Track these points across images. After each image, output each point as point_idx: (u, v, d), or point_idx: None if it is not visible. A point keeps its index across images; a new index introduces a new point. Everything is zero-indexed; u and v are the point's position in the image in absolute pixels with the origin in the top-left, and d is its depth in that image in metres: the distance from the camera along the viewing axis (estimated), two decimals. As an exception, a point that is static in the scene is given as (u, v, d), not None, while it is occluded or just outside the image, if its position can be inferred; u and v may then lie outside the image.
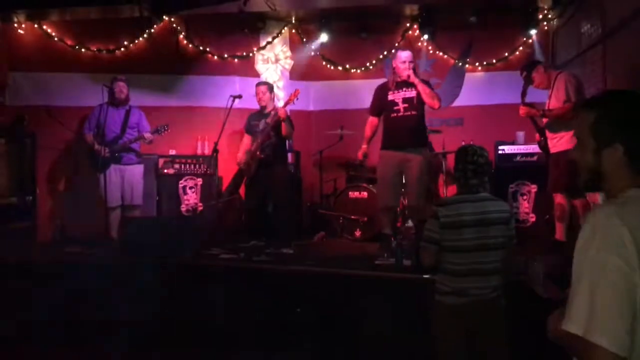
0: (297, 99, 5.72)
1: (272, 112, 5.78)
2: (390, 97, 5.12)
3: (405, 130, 5.04)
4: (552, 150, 4.83)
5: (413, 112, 5.07)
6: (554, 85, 4.82)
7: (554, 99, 4.79)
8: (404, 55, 5.10)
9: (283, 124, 5.65)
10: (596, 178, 1.46)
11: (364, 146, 5.33)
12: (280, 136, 5.77)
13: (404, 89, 5.09)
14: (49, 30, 6.96)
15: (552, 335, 1.41)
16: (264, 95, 5.90)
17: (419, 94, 5.04)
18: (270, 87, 6.06)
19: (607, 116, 1.43)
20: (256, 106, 6.06)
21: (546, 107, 4.85)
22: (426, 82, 5.16)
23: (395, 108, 5.09)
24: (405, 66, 5.03)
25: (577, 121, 1.51)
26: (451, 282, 2.89)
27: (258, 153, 5.76)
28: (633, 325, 1.23)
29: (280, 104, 6.16)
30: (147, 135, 5.89)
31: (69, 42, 7.00)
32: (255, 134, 5.88)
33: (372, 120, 5.32)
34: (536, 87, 5.04)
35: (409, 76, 5.00)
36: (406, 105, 5.07)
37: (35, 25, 6.92)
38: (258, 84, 6.07)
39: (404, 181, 5.17)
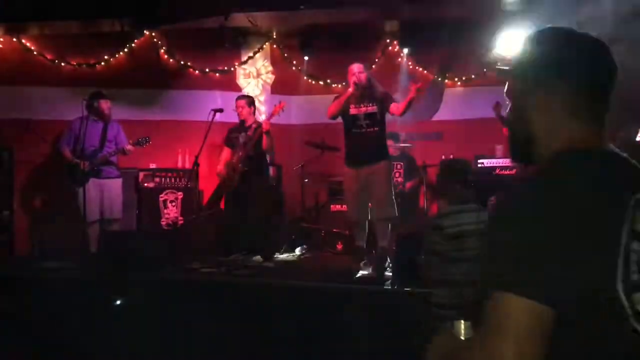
0: (283, 110, 5.74)
1: (254, 125, 5.78)
2: (352, 112, 5.14)
3: (368, 147, 5.10)
4: None
5: (375, 128, 5.12)
6: None
7: None
8: (355, 67, 5.17)
9: (265, 137, 5.65)
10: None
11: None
12: (261, 150, 5.76)
13: (365, 104, 5.12)
14: (28, 44, 6.92)
15: None
16: (243, 109, 5.92)
17: (380, 108, 5.09)
18: (250, 101, 6.07)
19: None
20: (237, 120, 6.06)
21: None
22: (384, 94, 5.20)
23: (358, 123, 5.12)
24: (356, 77, 5.08)
25: None
26: (452, 295, 2.87)
27: (240, 166, 5.75)
28: None
29: (262, 117, 6.18)
30: (127, 147, 5.85)
31: (49, 56, 6.96)
32: (235, 147, 5.86)
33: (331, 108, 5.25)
34: None
35: (360, 80, 5.04)
36: (368, 121, 5.11)
37: (14, 39, 6.88)
38: (238, 98, 6.08)
39: (370, 193, 5.12)
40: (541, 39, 1.20)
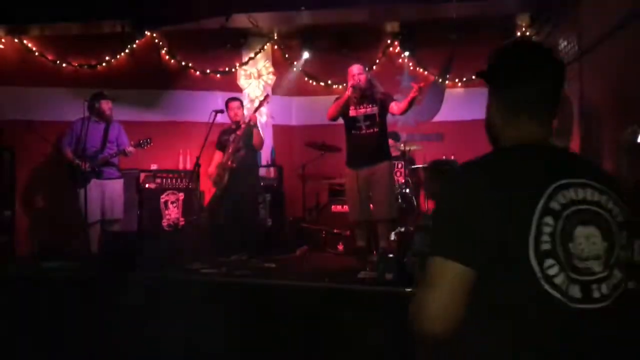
0: (268, 102, 5.76)
1: (243, 125, 5.73)
2: (352, 113, 5.19)
3: (368, 148, 5.15)
4: None
5: (375, 130, 5.17)
6: None
7: None
8: (354, 68, 5.22)
9: (255, 132, 5.63)
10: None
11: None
12: (252, 147, 5.73)
13: (365, 105, 5.16)
14: (30, 45, 6.93)
15: None
16: (239, 110, 5.87)
17: (380, 109, 5.12)
18: (242, 102, 6.07)
19: None
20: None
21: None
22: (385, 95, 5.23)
23: (357, 125, 5.18)
24: (355, 78, 5.13)
25: None
26: None
27: (229, 163, 5.72)
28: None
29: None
30: (128, 149, 5.86)
31: (50, 57, 6.97)
32: (226, 148, 5.83)
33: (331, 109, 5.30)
34: None
35: (358, 82, 5.09)
36: (368, 122, 5.16)
37: (16, 40, 6.89)
38: (231, 100, 5.98)
39: (371, 193, 5.21)
40: (496, 53, 1.43)
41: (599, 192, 1.24)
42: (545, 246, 1.18)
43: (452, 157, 6.65)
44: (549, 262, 1.17)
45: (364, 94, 5.17)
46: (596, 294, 1.19)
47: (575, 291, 1.18)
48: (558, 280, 1.17)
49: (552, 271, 1.17)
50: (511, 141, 1.36)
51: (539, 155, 1.31)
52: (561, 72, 1.40)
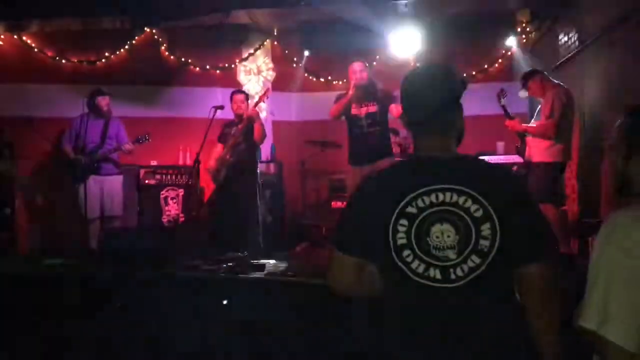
0: (268, 97, 5.76)
1: (244, 117, 5.71)
2: (354, 112, 5.22)
3: (371, 146, 5.17)
4: (533, 159, 4.90)
5: (377, 128, 5.19)
6: (545, 98, 4.89)
7: (542, 111, 4.87)
8: (356, 65, 5.22)
9: (256, 126, 5.62)
10: (624, 184, 1.49)
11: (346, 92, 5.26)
12: (252, 143, 5.70)
13: (366, 104, 5.18)
14: (29, 42, 6.92)
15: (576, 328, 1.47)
16: (242, 104, 5.79)
17: (381, 107, 5.14)
18: (247, 96, 6.02)
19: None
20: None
21: (540, 114, 4.89)
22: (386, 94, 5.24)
23: (359, 124, 5.20)
24: (357, 75, 5.15)
25: (616, 126, 1.55)
26: None
27: (228, 156, 5.70)
28: None
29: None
30: (127, 146, 5.84)
31: (49, 53, 6.96)
32: (227, 142, 5.79)
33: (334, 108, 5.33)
34: (531, 95, 5.14)
35: (361, 79, 5.12)
36: (369, 121, 5.18)
37: (15, 37, 6.88)
38: (235, 93, 5.93)
39: None
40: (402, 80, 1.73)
41: (458, 194, 1.51)
42: (401, 241, 1.53)
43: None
44: (406, 252, 1.53)
45: (366, 91, 5.18)
46: (452, 276, 1.50)
47: (436, 273, 1.50)
48: (414, 265, 1.52)
49: (408, 259, 1.53)
50: (415, 152, 1.71)
51: (419, 165, 1.64)
52: (454, 93, 1.72)
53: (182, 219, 6.36)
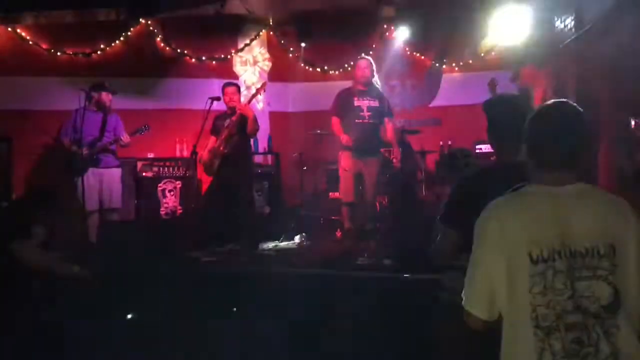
0: (264, 91, 5.85)
1: (238, 112, 5.70)
2: (356, 103, 5.49)
3: (368, 137, 5.46)
4: None
5: (376, 121, 5.52)
6: (536, 86, 4.90)
7: (534, 100, 4.87)
8: (361, 62, 5.61)
9: (249, 121, 5.60)
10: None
11: (343, 135, 5.50)
12: (245, 135, 5.71)
13: (368, 98, 5.49)
14: (24, 34, 6.87)
15: None
16: (234, 96, 5.79)
17: (381, 103, 5.52)
18: (239, 88, 6.00)
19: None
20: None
21: (533, 102, 4.90)
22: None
23: (361, 114, 5.48)
24: (361, 72, 5.52)
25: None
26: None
27: (221, 148, 5.68)
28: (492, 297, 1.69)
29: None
30: (124, 139, 5.82)
31: (45, 46, 6.92)
32: (220, 134, 5.79)
33: (337, 120, 5.61)
34: (523, 83, 5.14)
35: (364, 77, 5.50)
36: (370, 113, 5.47)
37: (9, 29, 6.83)
38: (227, 85, 5.92)
39: (364, 178, 5.55)
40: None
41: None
42: None
43: (449, 143, 6.68)
44: None
45: (369, 87, 5.54)
46: None
47: None
48: None
49: None
50: (501, 159, 2.37)
51: (500, 170, 2.25)
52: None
53: (179, 211, 6.37)
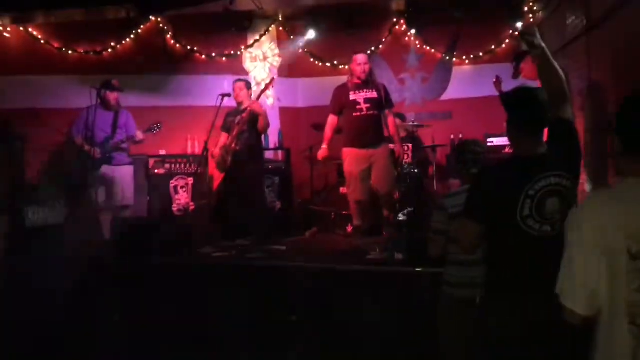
0: (273, 87, 5.87)
1: (248, 107, 5.71)
2: (352, 97, 5.43)
3: (369, 128, 5.40)
4: None
5: (375, 112, 5.42)
6: (539, 80, 4.84)
7: None
8: (360, 57, 5.49)
9: (260, 119, 5.60)
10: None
11: (325, 147, 5.62)
12: (256, 131, 5.71)
13: (365, 90, 5.41)
14: (35, 33, 6.94)
15: None
16: (240, 92, 5.78)
17: (379, 94, 5.41)
18: (248, 85, 6.00)
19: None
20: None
21: None
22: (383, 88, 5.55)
23: (358, 107, 5.41)
24: (361, 68, 5.41)
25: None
26: (459, 272, 2.91)
27: (233, 145, 5.69)
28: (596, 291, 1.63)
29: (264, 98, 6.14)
30: (137, 134, 5.86)
31: (56, 45, 6.98)
32: (231, 130, 5.79)
33: (333, 119, 5.62)
34: (525, 77, 5.08)
35: (363, 73, 5.39)
36: (368, 105, 5.39)
37: (21, 29, 6.89)
38: (237, 81, 5.94)
39: (372, 173, 5.43)
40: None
41: (558, 177, 2.19)
42: (526, 212, 2.18)
43: (461, 135, 6.64)
44: (530, 220, 2.18)
45: (366, 81, 5.43)
46: (557, 229, 2.17)
47: (547, 228, 2.19)
48: (535, 226, 2.19)
49: (530, 223, 2.18)
50: (514, 153, 2.40)
51: (526, 162, 2.24)
52: (544, 110, 2.31)
53: (192, 208, 6.40)
